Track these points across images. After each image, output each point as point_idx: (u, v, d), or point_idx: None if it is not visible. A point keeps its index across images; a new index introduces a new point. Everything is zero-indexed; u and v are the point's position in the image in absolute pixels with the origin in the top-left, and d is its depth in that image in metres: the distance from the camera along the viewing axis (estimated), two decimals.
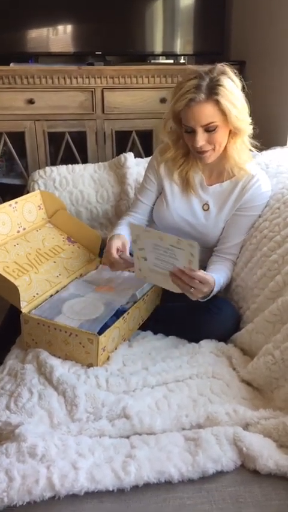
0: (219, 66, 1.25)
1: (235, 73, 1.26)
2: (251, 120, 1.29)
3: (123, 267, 1.32)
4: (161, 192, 1.46)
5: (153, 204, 1.48)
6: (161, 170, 1.43)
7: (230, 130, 1.28)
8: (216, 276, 1.26)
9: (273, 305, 1.13)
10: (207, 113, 1.21)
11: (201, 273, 1.14)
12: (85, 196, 1.76)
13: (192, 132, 1.26)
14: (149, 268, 1.20)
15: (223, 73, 1.23)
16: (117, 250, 1.30)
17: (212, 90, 1.20)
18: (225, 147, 1.31)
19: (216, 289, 1.25)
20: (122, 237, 1.35)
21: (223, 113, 1.22)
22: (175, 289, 1.18)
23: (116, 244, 1.31)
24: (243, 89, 1.27)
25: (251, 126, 1.30)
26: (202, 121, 1.22)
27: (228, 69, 1.25)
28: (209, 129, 1.24)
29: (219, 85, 1.20)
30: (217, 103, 1.21)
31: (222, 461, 0.85)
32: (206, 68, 1.24)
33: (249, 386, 1.11)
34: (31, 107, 2.08)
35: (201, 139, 1.25)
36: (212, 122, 1.22)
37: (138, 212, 1.50)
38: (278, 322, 1.10)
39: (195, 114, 1.22)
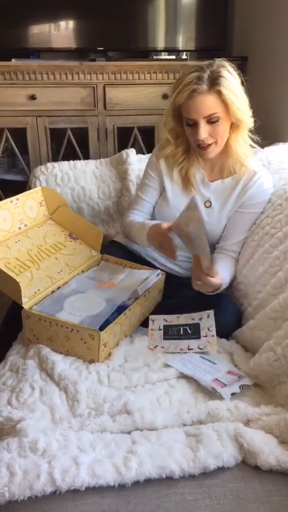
0: (218, 60, 1.26)
1: (234, 68, 1.26)
2: (251, 113, 1.29)
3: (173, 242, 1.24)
4: (163, 189, 1.45)
5: (156, 201, 1.47)
6: (161, 166, 1.42)
7: (232, 124, 1.28)
8: (223, 273, 1.29)
9: (274, 302, 1.12)
10: (209, 103, 1.21)
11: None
12: (87, 193, 1.75)
13: (194, 125, 1.25)
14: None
15: (223, 66, 1.24)
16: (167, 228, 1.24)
17: (214, 81, 1.20)
18: (227, 141, 1.30)
19: (222, 287, 1.28)
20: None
21: (225, 104, 1.22)
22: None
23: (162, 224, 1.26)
24: (242, 84, 1.27)
25: (252, 120, 1.29)
26: (204, 112, 1.22)
27: (227, 64, 1.25)
28: (212, 120, 1.23)
29: (221, 76, 1.21)
30: (219, 94, 1.21)
31: (223, 457, 0.85)
32: (205, 62, 1.25)
33: None
34: (33, 103, 2.07)
35: (203, 131, 1.24)
36: (215, 113, 1.22)
37: (140, 210, 1.48)
38: (280, 319, 1.10)
39: (198, 105, 1.21)
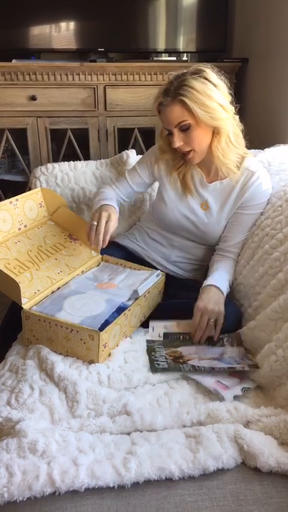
0: (196, 66, 1.26)
1: (222, 73, 1.27)
2: (237, 119, 1.30)
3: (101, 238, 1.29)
4: (151, 183, 1.51)
5: (138, 190, 1.53)
6: (161, 167, 1.44)
7: (214, 129, 1.28)
8: (223, 276, 1.33)
9: (274, 303, 1.12)
10: (175, 113, 1.24)
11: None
12: (87, 193, 1.75)
13: (170, 134, 1.29)
14: None
15: (196, 73, 1.24)
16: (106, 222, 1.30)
17: (177, 91, 1.22)
18: (210, 147, 1.30)
19: (225, 292, 1.31)
20: (112, 208, 1.37)
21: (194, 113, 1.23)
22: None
23: (107, 214, 1.31)
24: (230, 87, 1.28)
25: (232, 124, 1.28)
26: (173, 121, 1.26)
27: (207, 69, 1.25)
28: (183, 128, 1.26)
29: (185, 85, 1.22)
30: (183, 103, 1.22)
31: (223, 459, 0.85)
32: (185, 69, 1.26)
33: None
34: (33, 104, 2.08)
35: (177, 140, 1.28)
36: (183, 121, 1.25)
37: (121, 190, 1.51)
38: (280, 320, 1.10)
39: (167, 116, 1.26)
